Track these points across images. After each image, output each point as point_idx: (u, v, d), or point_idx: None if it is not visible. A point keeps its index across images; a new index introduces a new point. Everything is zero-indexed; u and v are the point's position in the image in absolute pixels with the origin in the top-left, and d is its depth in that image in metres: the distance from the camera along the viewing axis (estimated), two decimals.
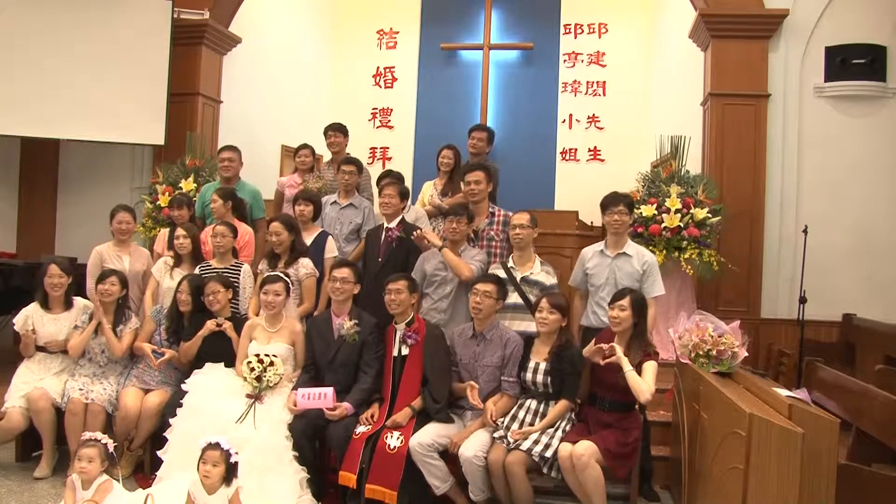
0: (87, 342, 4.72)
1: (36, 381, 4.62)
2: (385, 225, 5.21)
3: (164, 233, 5.77)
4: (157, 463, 4.17)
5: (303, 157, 6.45)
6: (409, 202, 5.60)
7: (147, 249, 5.74)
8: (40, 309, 4.78)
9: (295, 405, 4.22)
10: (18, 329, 4.74)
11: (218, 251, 5.05)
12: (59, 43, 6.86)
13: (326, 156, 6.75)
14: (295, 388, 4.41)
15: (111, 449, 3.71)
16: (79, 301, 4.93)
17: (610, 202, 4.71)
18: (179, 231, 5.17)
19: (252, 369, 4.23)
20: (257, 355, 4.29)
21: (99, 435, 3.74)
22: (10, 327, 4.82)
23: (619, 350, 3.95)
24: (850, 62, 6.27)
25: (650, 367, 3.97)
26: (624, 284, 4.51)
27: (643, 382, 3.88)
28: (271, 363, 4.25)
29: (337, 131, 6.37)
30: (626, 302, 4.09)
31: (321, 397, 4.22)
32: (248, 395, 4.26)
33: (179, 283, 4.79)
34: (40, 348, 4.76)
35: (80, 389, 4.54)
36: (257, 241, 5.63)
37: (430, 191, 6.11)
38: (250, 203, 5.89)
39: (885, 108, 6.32)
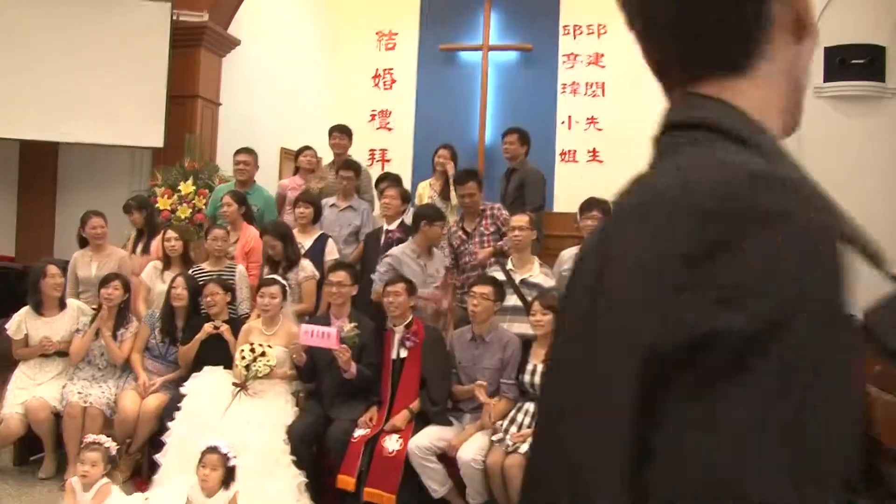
0: (88, 346, 4.72)
1: (33, 387, 4.61)
2: (385, 227, 5.21)
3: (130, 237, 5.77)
4: (155, 467, 4.15)
5: (309, 157, 6.44)
6: (409, 205, 5.60)
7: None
8: (33, 313, 4.75)
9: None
10: (11, 335, 4.72)
11: (214, 255, 5.04)
12: (58, 45, 6.84)
13: (327, 157, 6.74)
14: (294, 392, 4.45)
15: (113, 452, 3.70)
16: (72, 302, 4.94)
17: (585, 207, 4.78)
18: (170, 234, 5.14)
19: (243, 357, 4.22)
20: (251, 344, 4.28)
21: (102, 438, 3.73)
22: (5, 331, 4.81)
23: None
24: (849, 62, 6.25)
25: None
26: None
27: None
28: (263, 353, 4.23)
29: (342, 133, 6.39)
30: None
31: (325, 336, 4.18)
32: (234, 384, 4.25)
33: (173, 279, 4.78)
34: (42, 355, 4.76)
35: (79, 393, 4.52)
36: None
37: (427, 191, 6.11)
38: (262, 209, 5.83)
39: (885, 108, 6.30)
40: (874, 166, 6.26)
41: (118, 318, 4.78)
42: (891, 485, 0.75)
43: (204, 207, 6.09)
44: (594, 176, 9.62)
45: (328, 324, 4.44)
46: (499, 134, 9.54)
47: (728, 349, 0.56)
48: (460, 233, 5.19)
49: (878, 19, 6.29)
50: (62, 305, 4.85)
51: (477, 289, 4.32)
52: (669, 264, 0.59)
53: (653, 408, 0.58)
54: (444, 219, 4.90)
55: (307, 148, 6.51)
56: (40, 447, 4.62)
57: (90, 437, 3.76)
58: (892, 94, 6.26)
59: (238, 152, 6.00)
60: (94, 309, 4.86)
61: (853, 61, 6.24)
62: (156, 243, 5.62)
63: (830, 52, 6.31)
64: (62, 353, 4.76)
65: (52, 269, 4.78)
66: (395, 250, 4.89)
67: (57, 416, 4.54)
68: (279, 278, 4.63)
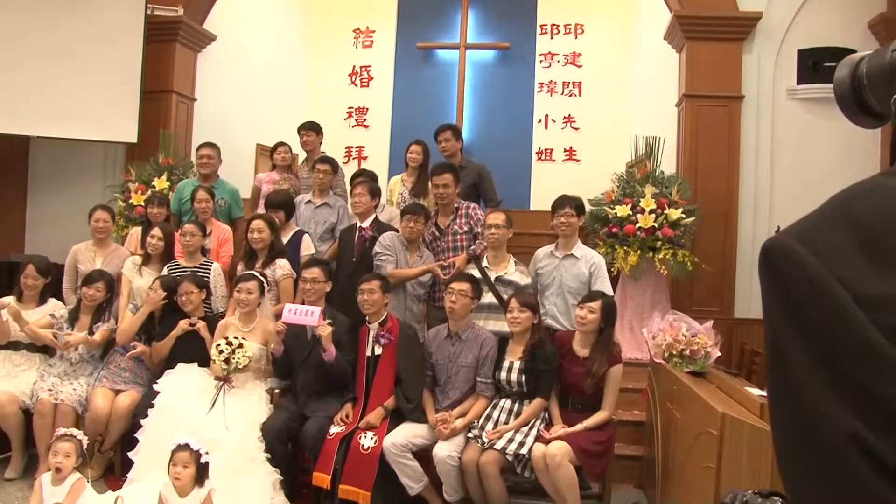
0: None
1: (2, 380, 4.56)
2: (358, 224, 5.19)
3: (135, 231, 5.69)
4: (128, 464, 4.10)
5: (282, 154, 6.42)
6: (383, 201, 5.59)
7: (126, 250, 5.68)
8: (15, 302, 4.79)
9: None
10: None
11: (187, 250, 5.01)
12: (31, 39, 6.74)
13: (301, 155, 6.71)
14: (268, 389, 4.42)
15: (84, 447, 3.66)
16: (52, 301, 4.96)
17: (558, 205, 4.79)
18: (155, 231, 5.11)
19: (221, 352, 4.19)
20: (226, 338, 4.25)
21: (74, 430, 3.69)
22: None
23: (559, 428, 4.05)
24: (821, 65, 6.33)
25: (615, 376, 4.08)
26: (569, 286, 4.63)
27: (599, 415, 4.06)
28: (240, 345, 4.21)
29: (309, 130, 6.34)
30: (596, 305, 4.12)
31: (308, 314, 4.21)
32: (217, 378, 4.23)
33: (154, 282, 4.76)
34: (12, 344, 4.73)
35: (50, 390, 4.46)
36: (235, 240, 5.57)
37: (399, 187, 6.09)
38: (229, 202, 5.85)
39: None
40: (846, 167, 6.34)
41: (96, 314, 4.78)
42: None
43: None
44: (571, 175, 9.68)
45: None
46: (477, 132, 9.61)
47: None
48: (433, 229, 5.17)
49: (850, 23, 6.39)
50: (43, 301, 4.92)
51: (455, 285, 4.31)
52: None
53: None
54: (417, 214, 4.89)
55: (282, 144, 6.49)
56: (7, 446, 4.54)
57: (61, 430, 3.71)
58: None
59: (201, 146, 5.99)
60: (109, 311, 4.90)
61: (825, 64, 6.32)
62: (131, 238, 5.58)
63: (803, 55, 6.40)
64: (37, 349, 4.77)
65: (29, 270, 4.83)
66: (386, 236, 4.93)
67: (25, 413, 4.48)
68: (257, 273, 4.60)
